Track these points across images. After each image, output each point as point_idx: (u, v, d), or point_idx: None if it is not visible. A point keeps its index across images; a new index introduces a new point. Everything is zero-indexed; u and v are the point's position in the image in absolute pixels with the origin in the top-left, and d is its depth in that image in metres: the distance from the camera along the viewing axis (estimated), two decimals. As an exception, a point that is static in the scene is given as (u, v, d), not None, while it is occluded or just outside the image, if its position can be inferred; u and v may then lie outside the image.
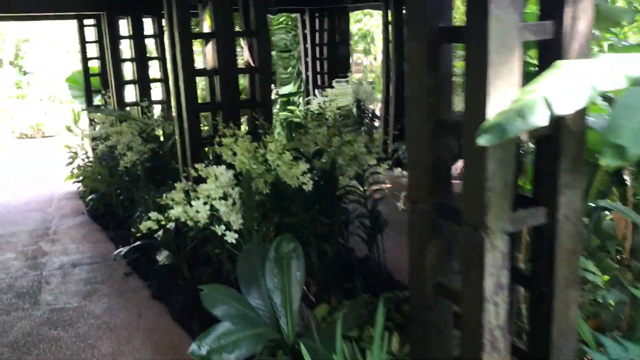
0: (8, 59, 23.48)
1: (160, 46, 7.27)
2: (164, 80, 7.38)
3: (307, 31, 10.94)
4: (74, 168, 9.47)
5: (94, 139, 9.15)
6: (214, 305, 2.81)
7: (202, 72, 4.59)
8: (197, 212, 3.22)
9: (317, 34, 10.95)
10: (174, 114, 7.74)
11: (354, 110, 9.66)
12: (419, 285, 2.16)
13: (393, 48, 7.73)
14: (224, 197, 3.37)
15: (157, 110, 8.25)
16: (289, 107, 10.98)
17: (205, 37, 4.58)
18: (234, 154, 3.71)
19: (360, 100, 9.78)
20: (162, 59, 7.38)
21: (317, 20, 10.86)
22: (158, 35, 7.30)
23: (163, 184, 6.17)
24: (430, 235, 2.09)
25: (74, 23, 10.06)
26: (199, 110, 4.57)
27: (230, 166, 3.73)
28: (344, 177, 3.52)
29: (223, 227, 3.23)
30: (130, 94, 8.36)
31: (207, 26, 4.77)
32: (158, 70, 8.26)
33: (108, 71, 7.22)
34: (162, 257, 4.68)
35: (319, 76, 11.01)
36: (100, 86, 9.86)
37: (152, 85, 8.50)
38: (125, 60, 7.26)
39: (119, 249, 4.74)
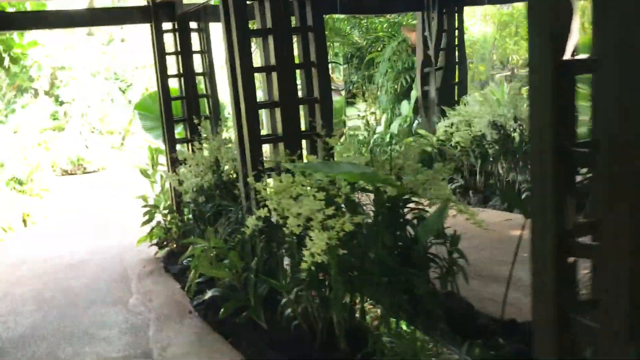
0: (43, 88, 20.94)
1: (316, 47, 4.32)
2: (318, 100, 4.42)
3: (429, 33, 8.03)
4: (153, 227, 6.64)
5: (178, 192, 6.28)
6: None
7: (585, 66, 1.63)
8: None
9: (443, 36, 8.04)
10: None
11: (488, 133, 6.53)
12: None
13: None
14: None
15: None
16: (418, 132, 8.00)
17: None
18: None
19: (518, 120, 6.75)
20: (312, 66, 4.45)
21: (437, 20, 8.00)
22: (312, 29, 4.34)
23: (365, 287, 3.25)
24: None
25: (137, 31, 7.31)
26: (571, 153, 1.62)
27: None
28: None
29: None
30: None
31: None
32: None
33: (233, 87, 4.31)
34: None
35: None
36: (182, 113, 7.03)
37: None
38: (258, 70, 4.35)
39: None
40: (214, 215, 5.32)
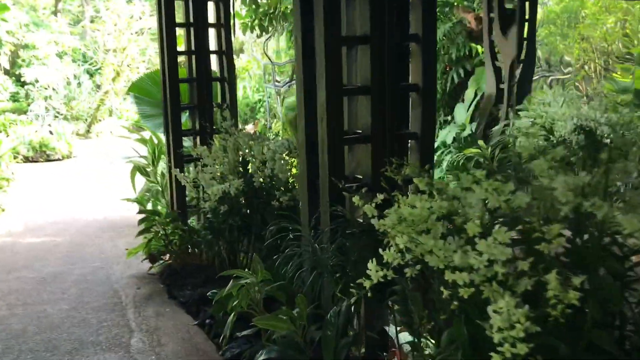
0: (3, 66, 18.92)
1: (424, 16, 3.02)
2: (419, 89, 3.12)
3: (495, 14, 6.75)
4: (151, 238, 5.23)
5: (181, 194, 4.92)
6: None
7: None
8: None
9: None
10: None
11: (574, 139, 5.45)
12: None
13: None
14: None
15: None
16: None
17: None
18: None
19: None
20: (414, 41, 3.16)
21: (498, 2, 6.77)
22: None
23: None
24: None
25: None
26: None
27: None
28: None
29: None
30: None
31: None
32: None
33: (304, 65, 3.02)
34: None
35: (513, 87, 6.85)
36: (189, 99, 5.64)
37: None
38: (345, 40, 3.03)
39: None
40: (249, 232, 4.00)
